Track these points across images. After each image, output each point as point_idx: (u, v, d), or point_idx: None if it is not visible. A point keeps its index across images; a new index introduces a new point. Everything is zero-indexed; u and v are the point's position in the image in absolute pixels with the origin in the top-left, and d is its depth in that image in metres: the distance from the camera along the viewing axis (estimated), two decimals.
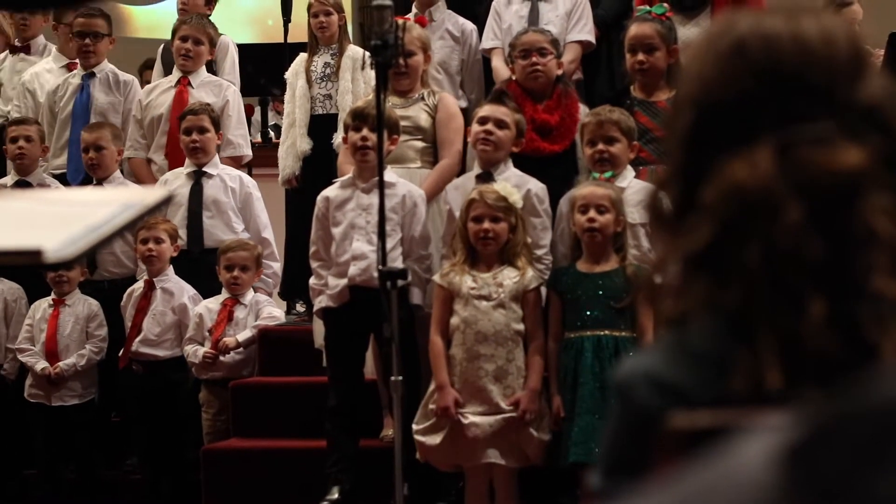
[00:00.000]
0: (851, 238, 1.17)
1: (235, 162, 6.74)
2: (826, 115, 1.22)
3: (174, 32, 6.81)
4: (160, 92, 6.79)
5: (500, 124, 5.23)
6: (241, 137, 6.81)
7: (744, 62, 1.26)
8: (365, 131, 5.19)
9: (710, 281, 1.21)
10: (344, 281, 5.28)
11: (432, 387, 4.99)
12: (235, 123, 6.77)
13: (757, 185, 1.19)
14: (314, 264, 5.44)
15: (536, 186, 5.24)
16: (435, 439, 4.97)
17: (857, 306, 1.16)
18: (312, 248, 5.45)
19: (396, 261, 5.16)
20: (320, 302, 5.40)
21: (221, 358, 5.97)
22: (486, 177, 5.24)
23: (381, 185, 4.72)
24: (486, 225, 4.93)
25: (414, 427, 4.96)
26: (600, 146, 5.11)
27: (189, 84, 6.75)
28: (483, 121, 5.25)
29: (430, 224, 5.42)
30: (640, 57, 5.48)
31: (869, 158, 1.18)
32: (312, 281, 5.46)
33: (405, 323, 4.91)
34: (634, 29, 5.53)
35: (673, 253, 1.25)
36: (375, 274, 4.96)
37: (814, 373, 1.15)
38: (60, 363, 6.24)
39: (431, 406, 4.98)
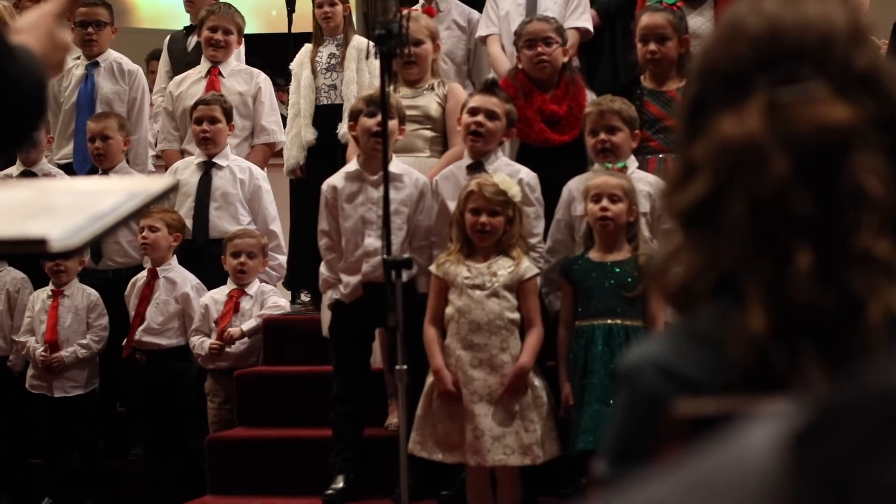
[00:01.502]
0: (839, 195, 1.18)
1: (269, 148, 6.74)
2: (818, 77, 1.23)
3: (202, 22, 6.80)
4: (191, 83, 6.78)
5: (491, 115, 5.22)
6: (274, 124, 6.81)
7: (742, 32, 1.29)
8: (380, 117, 5.15)
9: (707, 240, 1.23)
10: (357, 278, 5.27)
11: (430, 379, 4.99)
12: (268, 110, 6.78)
13: (744, 138, 1.21)
14: (327, 255, 5.40)
15: (528, 175, 5.24)
16: (437, 454, 4.97)
17: (844, 263, 1.17)
18: (324, 239, 5.42)
19: (406, 253, 5.16)
20: (332, 295, 5.39)
21: (227, 348, 5.98)
22: (476, 167, 5.24)
23: (386, 174, 4.71)
24: (484, 219, 4.92)
25: (412, 438, 4.93)
26: (602, 136, 5.10)
27: (220, 74, 6.75)
28: (474, 111, 5.23)
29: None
30: (652, 47, 5.46)
31: (857, 116, 1.19)
32: (324, 272, 5.43)
33: (414, 313, 4.91)
34: (646, 18, 5.52)
35: (673, 214, 1.27)
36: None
37: (803, 323, 1.16)
38: (61, 352, 6.25)
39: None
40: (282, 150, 6.58)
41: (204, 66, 6.80)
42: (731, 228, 1.20)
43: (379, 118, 5.12)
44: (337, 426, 5.34)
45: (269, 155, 6.80)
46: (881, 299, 1.16)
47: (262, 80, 6.82)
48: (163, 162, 6.89)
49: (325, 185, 5.45)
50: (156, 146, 7.01)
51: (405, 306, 4.62)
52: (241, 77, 6.78)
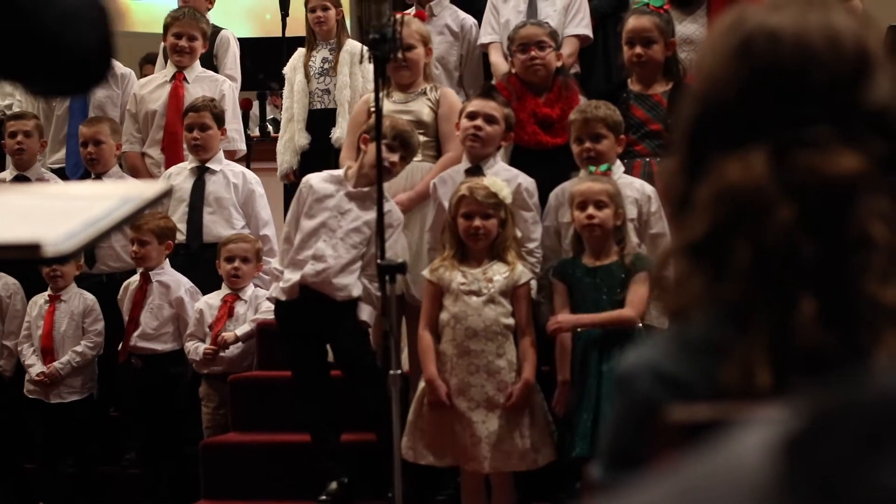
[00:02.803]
0: (845, 241, 1.17)
1: (229, 156, 6.73)
2: (826, 117, 1.22)
3: (166, 28, 6.80)
4: (155, 87, 6.78)
5: (490, 119, 5.22)
6: (235, 132, 6.79)
7: (748, 61, 1.26)
8: (397, 157, 5.11)
9: (707, 274, 1.22)
10: (297, 276, 5.27)
11: (423, 383, 4.98)
12: (230, 118, 6.75)
13: (749, 186, 1.19)
14: (283, 246, 5.44)
15: (526, 181, 5.23)
16: (428, 457, 4.97)
17: (849, 308, 1.16)
18: (286, 230, 5.44)
19: (355, 273, 5.17)
20: (273, 290, 5.43)
21: (221, 353, 5.97)
22: (475, 171, 5.23)
23: (380, 178, 4.70)
24: (477, 222, 4.92)
25: (403, 443, 4.91)
26: (587, 144, 5.10)
27: (184, 79, 6.74)
28: (472, 116, 5.23)
29: (398, 246, 5.37)
30: (638, 50, 5.46)
31: (865, 164, 1.18)
32: (274, 262, 5.48)
33: (355, 337, 5.00)
34: (632, 22, 5.52)
35: (676, 244, 1.26)
36: (333, 280, 5.11)
37: (805, 371, 1.15)
38: (55, 363, 6.23)
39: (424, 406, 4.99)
40: (275, 155, 6.57)
41: (169, 70, 6.80)
42: (735, 274, 1.19)
43: (395, 157, 5.09)
44: (311, 431, 5.35)
45: None
46: (887, 345, 1.15)
47: (227, 87, 6.80)
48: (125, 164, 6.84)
49: (304, 179, 5.45)
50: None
51: (344, 331, 4.67)
52: (205, 83, 6.76)
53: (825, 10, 1.27)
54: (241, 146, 6.83)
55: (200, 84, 6.75)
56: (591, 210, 4.83)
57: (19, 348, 6.36)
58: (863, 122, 1.21)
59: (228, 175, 6.38)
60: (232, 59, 7.13)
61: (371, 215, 5.10)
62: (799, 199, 1.18)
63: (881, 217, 1.17)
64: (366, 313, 5.23)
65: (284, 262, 5.37)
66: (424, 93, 5.75)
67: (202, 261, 6.21)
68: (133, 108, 6.77)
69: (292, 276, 5.28)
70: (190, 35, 6.73)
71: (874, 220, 1.17)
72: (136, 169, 6.67)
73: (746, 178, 1.20)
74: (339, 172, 5.39)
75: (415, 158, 5.66)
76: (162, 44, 7.38)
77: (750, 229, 1.19)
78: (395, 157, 5.09)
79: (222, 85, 6.80)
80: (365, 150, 5.26)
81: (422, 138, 5.70)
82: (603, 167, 5.01)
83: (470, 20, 6.44)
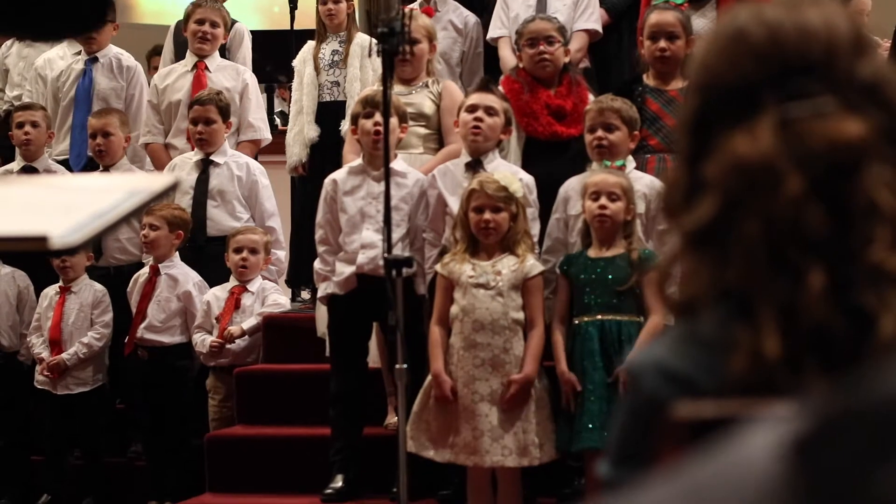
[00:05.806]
0: (852, 210, 1.17)
1: (255, 145, 6.72)
2: (826, 91, 1.23)
3: (188, 16, 6.78)
4: (177, 76, 6.75)
5: (490, 111, 5.23)
6: (260, 121, 6.78)
7: (745, 45, 1.28)
8: (378, 117, 5.17)
9: (714, 258, 1.22)
10: (352, 268, 5.28)
11: (429, 379, 4.98)
12: (255, 107, 6.75)
13: (758, 157, 1.20)
14: (320, 248, 5.43)
15: (526, 177, 5.24)
16: (429, 451, 4.96)
17: (857, 279, 1.16)
18: (319, 232, 5.44)
19: (405, 251, 5.16)
20: (326, 288, 5.40)
21: (227, 346, 5.98)
22: (474, 165, 5.23)
23: (387, 171, 4.71)
24: (488, 215, 4.92)
25: (409, 430, 4.91)
26: (599, 133, 5.10)
27: (206, 68, 6.72)
28: (472, 109, 5.24)
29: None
30: (662, 44, 5.46)
31: (870, 130, 1.19)
32: (317, 265, 5.45)
33: (412, 312, 4.91)
34: (656, 16, 5.53)
35: (680, 233, 1.26)
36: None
37: (813, 344, 1.16)
38: (61, 354, 6.24)
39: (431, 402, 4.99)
40: (284, 147, 6.57)
41: (190, 60, 6.77)
42: (743, 249, 1.19)
43: (376, 118, 5.14)
44: (335, 425, 5.34)
45: (254, 151, 6.77)
46: (894, 313, 1.15)
47: (249, 76, 6.80)
48: (147, 156, 6.83)
49: (327, 179, 5.47)
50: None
51: (405, 305, 4.62)
52: (227, 73, 6.75)
53: (819, 5, 1.29)
54: (267, 135, 6.80)
55: (223, 73, 6.74)
56: (603, 201, 4.84)
57: (29, 339, 6.37)
58: (861, 94, 1.22)
59: (233, 167, 6.37)
60: (245, 52, 7.12)
61: (402, 191, 5.21)
62: (807, 168, 1.18)
63: (886, 185, 1.17)
64: (422, 287, 5.25)
65: (328, 261, 5.37)
66: (426, 85, 5.76)
67: (209, 254, 6.21)
68: (154, 100, 6.75)
69: (346, 269, 5.30)
70: (212, 21, 6.72)
71: (880, 188, 1.17)
72: (160, 160, 6.64)
73: (755, 149, 1.20)
74: (357, 162, 5.40)
75: (416, 151, 5.67)
76: (170, 29, 7.35)
77: (759, 202, 1.19)
78: (378, 119, 5.09)
79: (244, 74, 6.78)
80: (356, 136, 5.35)
81: (423, 131, 5.71)
82: (619, 162, 5.03)
83: (473, 18, 6.45)
